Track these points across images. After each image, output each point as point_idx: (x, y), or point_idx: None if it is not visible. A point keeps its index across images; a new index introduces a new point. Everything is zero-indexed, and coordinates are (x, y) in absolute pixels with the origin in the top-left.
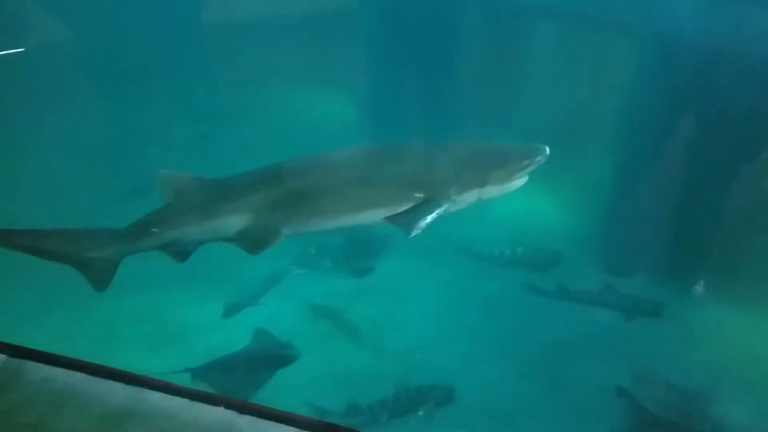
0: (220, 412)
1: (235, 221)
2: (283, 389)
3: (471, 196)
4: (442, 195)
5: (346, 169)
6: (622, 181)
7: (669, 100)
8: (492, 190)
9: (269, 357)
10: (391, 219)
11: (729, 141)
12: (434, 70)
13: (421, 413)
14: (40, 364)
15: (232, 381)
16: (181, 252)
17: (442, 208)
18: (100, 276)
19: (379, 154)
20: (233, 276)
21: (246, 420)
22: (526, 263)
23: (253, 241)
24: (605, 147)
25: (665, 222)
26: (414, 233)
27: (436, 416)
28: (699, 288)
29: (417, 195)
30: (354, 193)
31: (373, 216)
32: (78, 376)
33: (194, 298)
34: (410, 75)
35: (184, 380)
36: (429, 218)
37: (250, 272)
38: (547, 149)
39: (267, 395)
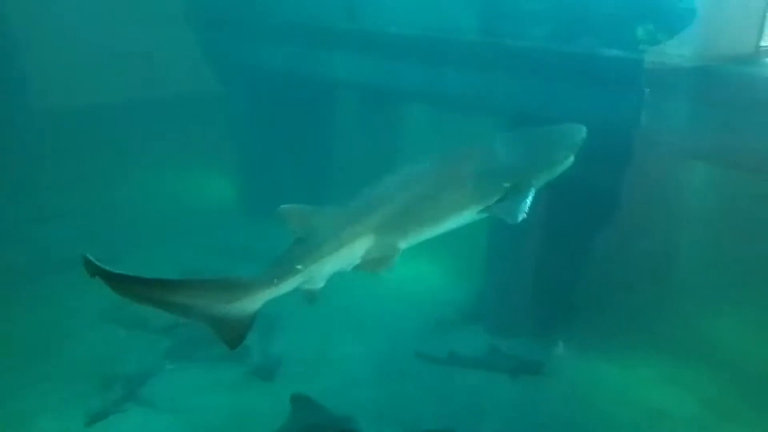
0: None
1: (361, 245)
2: None
3: (543, 177)
4: (524, 180)
5: (441, 175)
6: (497, 243)
7: None
8: (556, 170)
9: None
10: (490, 211)
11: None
12: None
13: None
14: None
15: None
16: (314, 290)
17: (531, 191)
18: (238, 331)
19: (461, 156)
20: (94, 377)
21: None
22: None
23: (377, 261)
24: None
25: (539, 281)
26: (520, 218)
27: None
28: (574, 344)
29: (504, 185)
30: (452, 195)
31: (472, 213)
32: None
33: (50, 407)
34: None
35: None
36: (527, 201)
37: (114, 370)
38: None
39: None
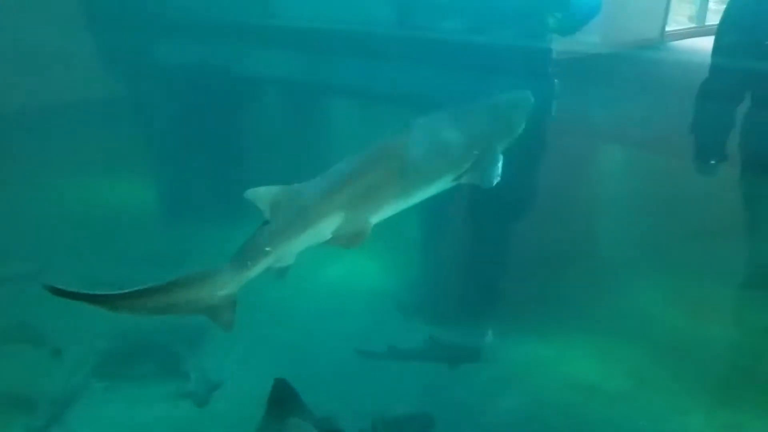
0: None
1: (330, 221)
2: None
3: (506, 142)
4: (490, 146)
5: (409, 147)
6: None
7: None
8: (515, 134)
9: None
10: (462, 179)
11: None
12: None
13: None
14: None
15: None
16: (284, 267)
17: (500, 156)
18: (227, 315)
19: (427, 127)
20: (12, 403)
21: None
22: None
23: (348, 237)
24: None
25: (471, 270)
26: (495, 182)
27: None
28: (509, 328)
29: (474, 153)
30: (422, 166)
31: (444, 182)
32: None
33: None
34: None
35: None
36: (498, 166)
37: (34, 392)
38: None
39: None
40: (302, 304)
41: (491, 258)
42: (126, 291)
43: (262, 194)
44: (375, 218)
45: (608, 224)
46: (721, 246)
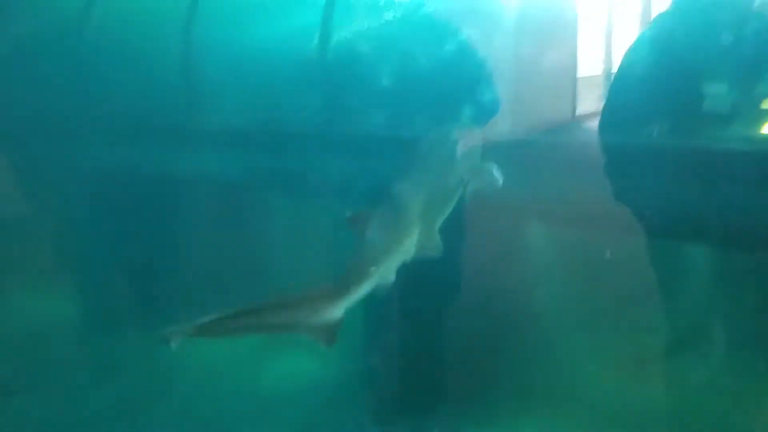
0: None
1: (413, 236)
2: None
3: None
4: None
5: (435, 163)
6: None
7: None
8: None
9: None
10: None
11: None
12: None
13: None
14: None
15: None
16: (387, 284)
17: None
18: (329, 337)
19: (440, 143)
20: None
21: None
22: None
23: (428, 248)
24: None
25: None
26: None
27: None
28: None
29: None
30: (451, 176)
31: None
32: None
33: None
34: None
35: None
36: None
37: None
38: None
39: None
40: (239, 406)
41: (428, 348)
42: (232, 311)
43: (359, 219)
44: (437, 225)
45: (542, 298)
46: (651, 310)
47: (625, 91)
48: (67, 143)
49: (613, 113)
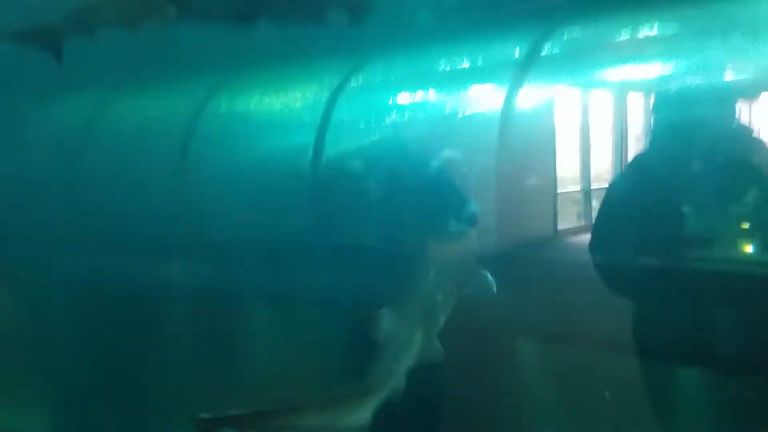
0: None
1: (417, 339)
2: None
3: None
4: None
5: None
6: None
7: None
8: None
9: None
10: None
11: None
12: None
13: None
14: None
15: None
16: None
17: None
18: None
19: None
20: None
21: None
22: None
23: (428, 351)
24: None
25: None
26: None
27: None
28: None
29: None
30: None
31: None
32: None
33: None
34: None
35: None
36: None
37: None
38: None
39: None
40: None
41: None
42: (260, 411)
43: (374, 318)
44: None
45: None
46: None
47: (613, 215)
48: (66, 255)
49: (601, 237)
